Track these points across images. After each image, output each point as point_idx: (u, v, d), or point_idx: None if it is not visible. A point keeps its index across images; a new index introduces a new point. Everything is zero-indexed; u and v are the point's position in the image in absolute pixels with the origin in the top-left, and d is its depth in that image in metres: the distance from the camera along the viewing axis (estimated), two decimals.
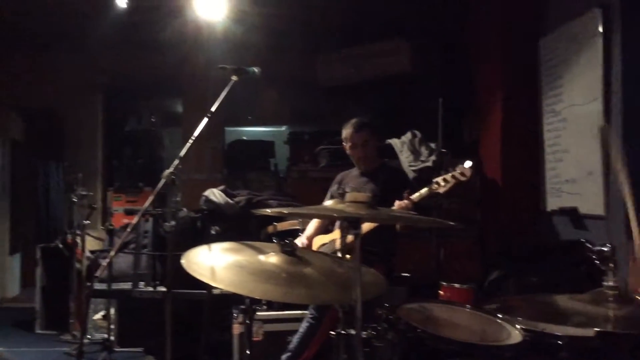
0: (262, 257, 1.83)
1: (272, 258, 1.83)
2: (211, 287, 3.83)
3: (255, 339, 3.72)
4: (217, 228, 4.44)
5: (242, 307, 2.17)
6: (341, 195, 2.53)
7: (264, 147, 6.55)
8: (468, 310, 2.25)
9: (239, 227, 4.46)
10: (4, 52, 6.51)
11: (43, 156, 8.40)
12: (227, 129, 7.06)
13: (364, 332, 1.79)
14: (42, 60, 6.58)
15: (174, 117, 7.57)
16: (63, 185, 8.25)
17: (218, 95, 2.80)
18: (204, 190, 4.78)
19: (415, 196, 3.16)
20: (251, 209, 4.43)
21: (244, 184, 5.93)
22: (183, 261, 1.77)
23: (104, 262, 2.44)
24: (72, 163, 5.55)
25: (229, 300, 4.03)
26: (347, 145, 3.60)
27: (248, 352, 2.14)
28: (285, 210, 2.53)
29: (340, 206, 1.69)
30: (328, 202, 2.32)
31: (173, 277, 4.12)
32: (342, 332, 2.13)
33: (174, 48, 5.96)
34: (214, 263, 1.79)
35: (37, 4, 5.33)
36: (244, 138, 7.57)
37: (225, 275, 1.71)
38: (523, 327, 2.06)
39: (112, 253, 2.43)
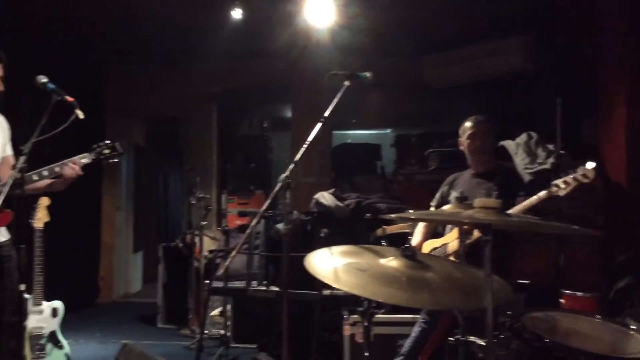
0: (382, 261, 1.84)
1: (392, 262, 1.84)
2: (322, 289, 3.92)
3: (362, 341, 3.74)
4: (325, 230, 4.52)
5: (360, 309, 2.19)
6: (460, 200, 2.49)
7: (370, 150, 6.57)
8: (597, 320, 2.13)
9: (348, 229, 4.50)
10: (129, 67, 7.05)
11: (163, 161, 8.97)
12: (334, 132, 7.16)
13: (485, 340, 1.74)
14: (163, 73, 7.06)
15: (283, 122, 7.79)
16: (181, 188, 8.75)
17: (327, 100, 2.85)
18: (312, 193, 4.86)
19: (533, 199, 3.04)
20: (360, 211, 4.46)
21: (351, 187, 5.99)
22: (306, 263, 1.82)
23: (226, 262, 2.55)
24: (191, 167, 5.86)
25: (338, 301, 4.10)
26: (464, 139, 3.48)
27: (367, 354, 2.16)
28: (411, 216, 2.51)
29: (469, 212, 1.66)
30: (447, 207, 2.28)
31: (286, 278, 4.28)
32: (461, 338, 2.09)
33: (283, 55, 6.14)
34: (335, 265, 1.82)
35: (157, 22, 5.70)
36: (349, 142, 7.65)
37: (347, 278, 1.74)
38: None
39: (234, 253, 2.53)
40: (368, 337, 2.17)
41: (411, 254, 1.83)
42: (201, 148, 7.21)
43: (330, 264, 1.83)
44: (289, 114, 7.79)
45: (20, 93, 5.33)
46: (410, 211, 3.79)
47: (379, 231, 4.24)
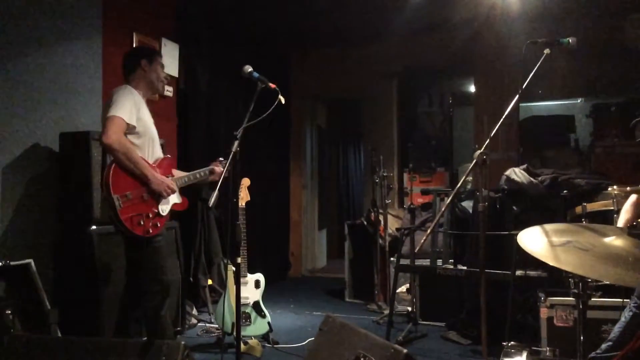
0: (606, 240, 1.70)
1: (617, 241, 1.69)
2: (515, 269, 3.76)
3: (563, 324, 3.54)
4: (514, 208, 4.31)
5: (574, 291, 2.05)
6: None
7: (562, 122, 6.11)
8: None
9: (542, 207, 4.24)
10: (311, 51, 7.34)
11: (343, 141, 9.25)
12: (520, 105, 6.77)
13: None
14: (343, 53, 7.23)
15: (463, 96, 7.57)
16: (361, 167, 8.97)
17: (512, 72, 2.71)
18: (499, 169, 4.66)
19: None
20: (556, 188, 4.17)
21: (541, 162, 5.64)
22: (520, 240, 1.75)
23: (422, 239, 2.55)
24: (374, 146, 5.95)
25: (531, 282, 3.91)
26: None
27: (582, 338, 2.02)
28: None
29: None
30: None
31: (476, 256, 4.17)
32: None
33: (464, 27, 5.93)
34: (552, 244, 1.72)
35: (336, 3, 5.82)
36: (537, 114, 7.17)
37: (568, 257, 1.64)
38: None
39: (429, 231, 2.52)
40: (583, 321, 2.03)
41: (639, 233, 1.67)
42: (381, 127, 7.27)
43: (544, 243, 1.74)
44: (469, 88, 7.54)
45: (219, 81, 5.86)
46: (614, 187, 3.48)
47: (578, 209, 3.95)
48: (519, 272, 3.82)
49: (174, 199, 3.14)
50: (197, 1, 5.44)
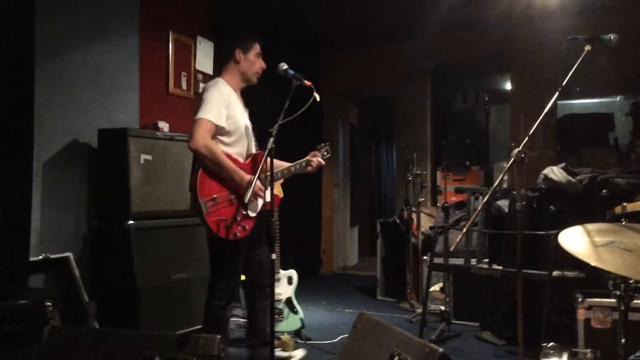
0: None
1: None
2: (551, 269, 3.69)
3: (600, 326, 3.46)
4: (551, 207, 4.23)
5: (616, 292, 2.00)
6: None
7: (601, 120, 5.98)
8: None
9: (580, 207, 4.16)
10: (343, 49, 7.32)
11: (375, 138, 9.22)
12: (558, 102, 6.64)
13: None
14: (376, 52, 7.19)
15: (498, 94, 7.45)
16: (392, 165, 8.92)
17: (549, 69, 2.65)
18: (536, 168, 4.59)
19: None
20: (595, 187, 4.09)
21: (579, 161, 5.53)
22: (561, 240, 1.71)
23: (458, 238, 2.52)
24: (406, 144, 5.90)
25: (568, 282, 3.84)
26: None
27: (623, 340, 1.98)
28: None
29: None
30: None
31: (511, 255, 4.11)
32: None
33: (499, 23, 5.84)
34: (594, 244, 1.68)
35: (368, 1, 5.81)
36: (575, 112, 7.03)
37: (611, 258, 1.60)
38: None
39: (464, 230, 2.49)
40: (625, 323, 1.98)
41: None
42: (414, 125, 7.21)
43: (586, 243, 1.70)
44: (504, 85, 7.42)
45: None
46: None
47: (618, 209, 3.86)
48: (556, 273, 3.75)
49: (266, 197, 3.01)
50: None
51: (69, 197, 3.83)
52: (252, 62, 3.09)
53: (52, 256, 3.53)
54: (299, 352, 3.75)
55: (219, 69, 3.16)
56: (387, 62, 7.12)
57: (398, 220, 5.71)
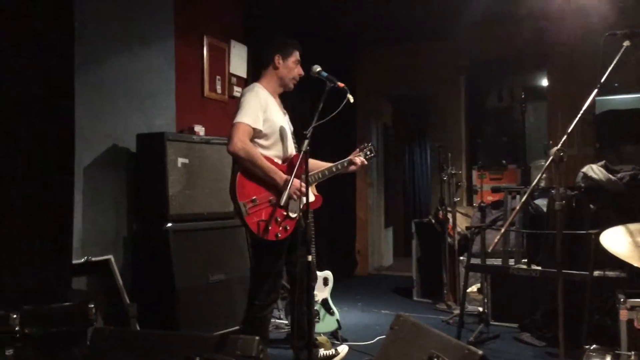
0: None
1: None
2: (592, 269, 3.61)
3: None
4: (591, 206, 4.14)
5: None
6: None
7: None
8: None
9: (621, 205, 4.06)
10: (376, 46, 7.30)
11: (408, 138, 9.16)
12: (596, 99, 6.48)
13: None
14: (409, 51, 7.15)
15: (536, 91, 7.31)
16: (427, 165, 8.85)
17: (587, 66, 2.60)
18: (574, 166, 4.51)
19: None
20: (636, 185, 3.99)
21: (619, 158, 5.38)
22: (602, 241, 1.68)
23: (496, 238, 2.49)
24: (441, 144, 5.85)
25: (609, 283, 3.75)
26: None
27: None
28: None
29: None
30: None
31: (551, 256, 4.04)
32: None
33: (535, 19, 5.74)
34: (636, 244, 1.64)
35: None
36: (613, 108, 6.85)
37: None
38: None
39: (503, 230, 2.46)
40: None
41: None
42: (449, 123, 7.13)
43: (628, 243, 1.67)
44: (539, 82, 7.29)
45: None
46: None
47: None
48: (596, 273, 3.66)
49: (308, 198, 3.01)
50: (264, 3, 5.52)
51: (109, 200, 3.92)
52: (291, 68, 3.13)
53: (93, 259, 3.62)
54: (344, 348, 3.76)
55: (257, 73, 3.19)
56: (421, 61, 7.08)
57: (433, 221, 5.67)
